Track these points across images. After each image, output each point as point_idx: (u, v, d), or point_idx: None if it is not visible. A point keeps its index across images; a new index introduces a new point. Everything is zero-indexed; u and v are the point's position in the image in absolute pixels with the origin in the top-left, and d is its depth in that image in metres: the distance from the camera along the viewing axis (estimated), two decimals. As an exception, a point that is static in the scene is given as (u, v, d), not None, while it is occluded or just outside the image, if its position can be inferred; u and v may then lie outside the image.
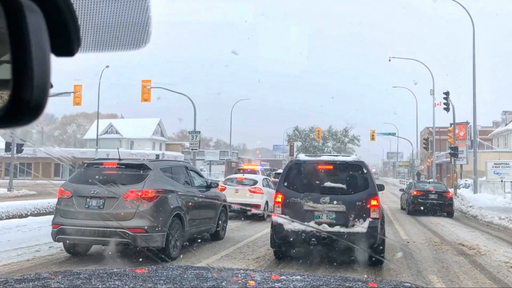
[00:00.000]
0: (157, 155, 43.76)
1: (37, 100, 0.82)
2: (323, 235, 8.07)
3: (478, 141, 38.38)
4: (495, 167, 27.91)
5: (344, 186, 8.51)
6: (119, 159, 8.85)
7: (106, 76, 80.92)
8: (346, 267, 8.22)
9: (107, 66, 44.58)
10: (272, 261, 8.83)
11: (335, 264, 8.43)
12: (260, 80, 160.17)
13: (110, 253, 8.30)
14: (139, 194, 8.01)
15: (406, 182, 47.00)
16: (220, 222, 11.02)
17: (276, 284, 2.09)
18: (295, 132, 71.65)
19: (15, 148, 29.63)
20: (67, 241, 8.40)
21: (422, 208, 20.16)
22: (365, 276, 7.54)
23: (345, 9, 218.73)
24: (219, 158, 67.86)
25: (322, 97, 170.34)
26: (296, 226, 8.32)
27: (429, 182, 24.66)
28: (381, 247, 8.57)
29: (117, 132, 70.43)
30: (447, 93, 30.39)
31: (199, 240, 10.25)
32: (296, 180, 8.82)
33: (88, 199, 8.14)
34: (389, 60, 39.81)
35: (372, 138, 50.90)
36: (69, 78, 31.57)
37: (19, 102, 0.83)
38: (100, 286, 1.89)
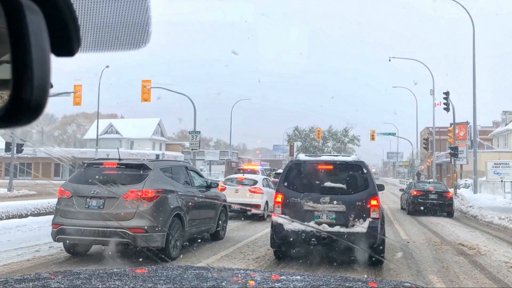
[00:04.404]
0: (157, 155, 43.74)
1: (37, 100, 0.82)
2: (323, 235, 8.07)
3: (478, 141, 38.39)
4: (495, 167, 27.89)
5: (344, 186, 8.51)
6: (119, 159, 8.85)
7: (106, 76, 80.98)
8: (346, 267, 8.22)
9: (107, 66, 44.69)
10: (272, 261, 8.83)
11: (335, 264, 8.43)
12: (260, 80, 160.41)
13: (110, 253, 8.29)
14: (139, 194, 8.01)
15: (406, 182, 47.00)
16: (220, 222, 11.02)
17: (276, 284, 2.08)
18: (295, 132, 71.58)
19: (15, 148, 29.61)
20: (67, 241, 8.40)
21: (422, 208, 20.16)
22: (365, 276, 7.53)
23: (345, 9, 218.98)
24: (219, 158, 67.84)
25: (322, 97, 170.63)
26: (296, 226, 8.31)
27: (429, 182, 24.65)
28: (381, 247, 8.57)
29: (117, 132, 70.42)
30: (447, 93, 30.39)
31: (199, 240, 10.25)
32: (296, 180, 8.81)
33: (88, 199, 8.13)
34: (389, 60, 39.85)
35: (372, 138, 50.90)
36: (69, 78, 31.64)
37: (19, 102, 0.82)
38: (100, 286, 1.89)
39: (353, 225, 8.21)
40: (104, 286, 1.90)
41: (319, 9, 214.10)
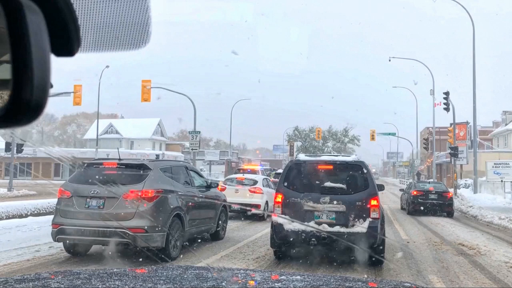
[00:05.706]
0: (157, 155, 43.73)
1: (37, 100, 0.82)
2: (323, 235, 8.07)
3: (478, 141, 38.39)
4: (495, 167, 27.88)
5: (344, 186, 8.51)
6: (119, 159, 8.85)
7: (106, 76, 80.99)
8: (346, 267, 8.22)
9: (107, 66, 44.70)
10: (272, 261, 8.83)
11: (335, 264, 8.42)
12: (260, 80, 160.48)
13: (110, 253, 8.29)
14: (139, 194, 8.01)
15: (406, 182, 46.99)
16: (220, 222, 11.02)
17: (276, 284, 2.08)
18: (295, 132, 71.58)
19: (15, 148, 29.61)
20: (67, 241, 8.40)
21: (422, 208, 20.16)
22: (365, 276, 7.53)
23: (345, 9, 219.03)
24: (219, 158, 67.84)
25: (322, 97, 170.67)
26: (296, 226, 8.31)
27: (429, 182, 24.65)
28: (381, 247, 8.57)
29: (117, 132, 70.41)
30: (447, 93, 30.39)
31: (199, 240, 10.25)
32: (296, 180, 8.81)
33: (88, 199, 8.13)
34: (389, 60, 39.85)
35: (372, 138, 50.90)
36: (69, 78, 31.65)
37: (19, 102, 0.82)
38: (100, 286, 1.89)
39: (353, 225, 8.21)
40: (104, 286, 1.90)
41: (319, 9, 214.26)
